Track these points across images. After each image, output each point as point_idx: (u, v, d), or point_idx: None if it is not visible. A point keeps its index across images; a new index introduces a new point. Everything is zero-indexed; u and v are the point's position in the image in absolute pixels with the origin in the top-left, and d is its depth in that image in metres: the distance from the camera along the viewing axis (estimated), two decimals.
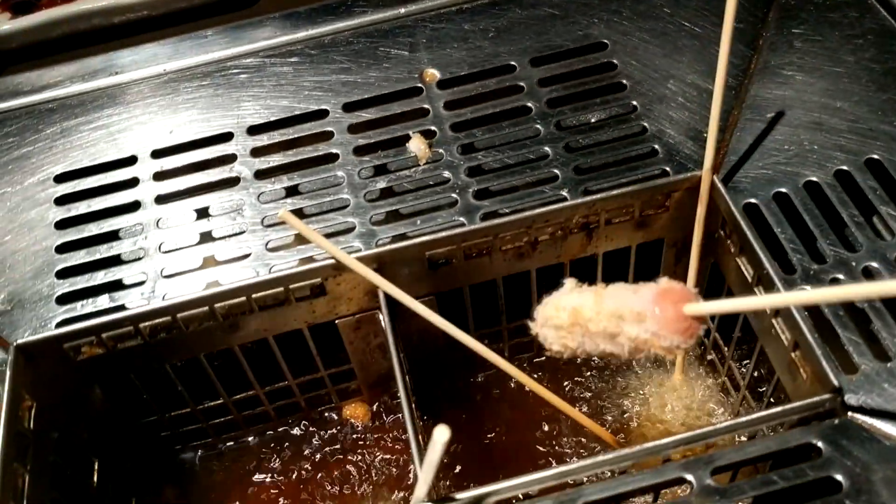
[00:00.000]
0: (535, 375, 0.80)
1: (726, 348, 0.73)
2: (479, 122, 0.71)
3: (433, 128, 0.71)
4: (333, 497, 0.75)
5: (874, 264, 0.58)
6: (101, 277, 0.65)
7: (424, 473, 0.45)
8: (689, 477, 0.50)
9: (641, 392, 0.78)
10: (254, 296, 0.63)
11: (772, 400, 0.66)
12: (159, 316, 0.62)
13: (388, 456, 0.78)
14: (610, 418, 0.77)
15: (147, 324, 0.62)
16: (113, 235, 0.68)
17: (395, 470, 0.77)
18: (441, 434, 0.40)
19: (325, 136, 0.71)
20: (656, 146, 0.68)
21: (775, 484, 0.50)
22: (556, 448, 0.76)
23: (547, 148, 0.69)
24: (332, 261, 0.62)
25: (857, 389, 0.53)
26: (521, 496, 0.51)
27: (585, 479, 0.51)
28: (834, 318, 0.56)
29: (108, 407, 0.68)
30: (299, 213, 0.68)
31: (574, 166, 0.68)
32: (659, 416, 0.76)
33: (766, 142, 0.67)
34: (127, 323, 0.61)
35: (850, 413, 0.52)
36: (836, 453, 0.50)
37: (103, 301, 0.64)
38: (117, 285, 0.65)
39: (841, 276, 0.58)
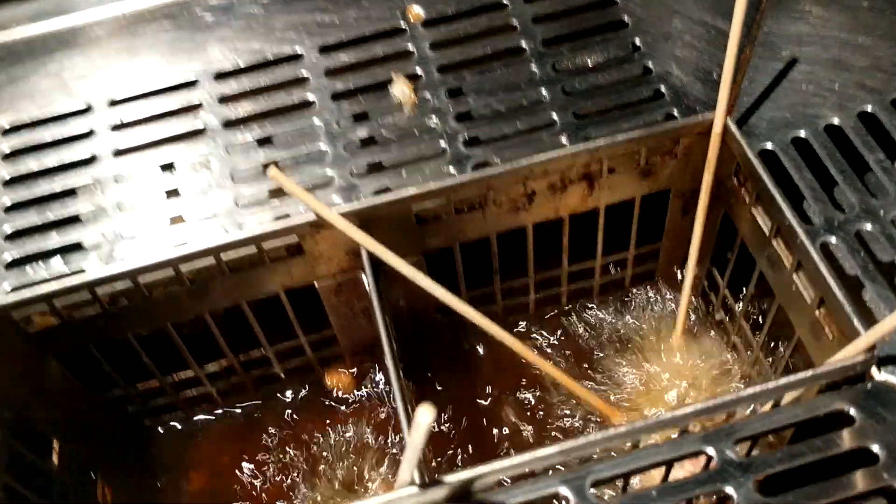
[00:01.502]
0: (532, 337, 0.75)
1: (737, 306, 0.68)
2: (468, 63, 0.65)
3: (418, 70, 0.65)
4: (316, 471, 0.70)
5: None
6: (54, 240, 0.59)
7: (408, 456, 0.40)
8: (710, 450, 0.46)
9: (640, 354, 0.73)
10: (224, 257, 0.57)
11: (791, 362, 0.61)
12: (118, 280, 0.56)
13: (374, 426, 0.73)
14: (608, 382, 0.73)
15: (105, 289, 0.56)
16: (67, 193, 0.61)
17: (382, 440, 0.72)
18: (424, 415, 0.35)
19: (300, 82, 0.65)
20: (662, 88, 0.62)
21: (804, 456, 0.45)
22: (555, 417, 0.71)
23: (543, 91, 0.63)
24: (311, 217, 0.56)
25: (891, 349, 0.48)
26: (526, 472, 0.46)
27: (595, 456, 0.46)
28: (862, 273, 0.51)
29: (67, 382, 0.63)
30: (274, 165, 0.62)
31: (573, 111, 0.62)
32: (659, 381, 0.71)
33: (783, 82, 0.62)
34: (82, 289, 0.55)
35: (883, 375, 0.47)
36: (871, 420, 0.46)
37: (58, 266, 0.58)
38: (73, 248, 0.58)
39: (868, 227, 0.53)
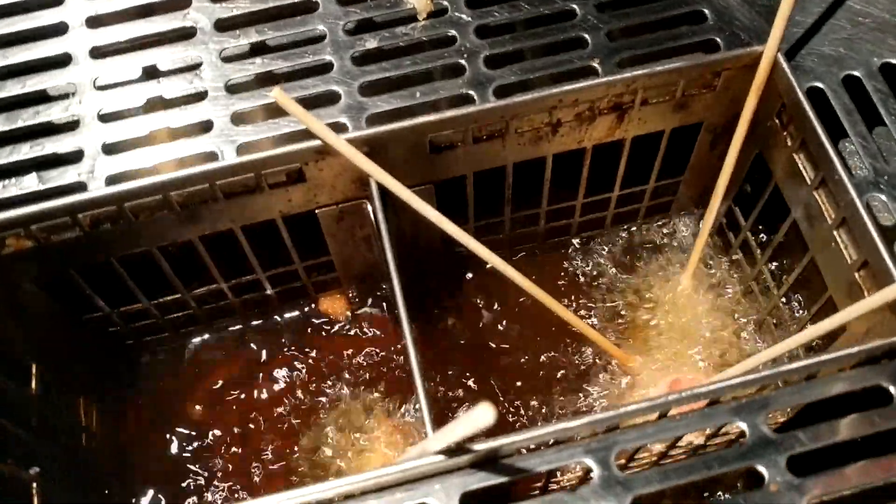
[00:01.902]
0: (538, 267, 0.71)
1: (759, 252, 0.64)
2: None
3: None
4: (306, 398, 0.68)
5: None
6: (26, 151, 0.53)
7: (447, 435, 0.37)
8: (742, 424, 0.43)
9: (649, 295, 0.70)
10: (218, 183, 0.51)
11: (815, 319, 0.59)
12: (101, 206, 0.50)
13: (368, 352, 0.70)
14: (616, 322, 0.70)
15: (87, 214, 0.51)
16: (39, 98, 0.55)
17: (377, 366, 0.69)
18: (485, 414, 0.31)
19: None
20: (705, 10, 0.56)
21: (839, 434, 0.43)
22: (561, 352, 0.69)
23: (575, 6, 0.57)
24: (315, 143, 0.50)
25: None
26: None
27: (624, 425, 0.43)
28: None
29: (44, 305, 0.58)
30: (271, 76, 0.55)
31: (607, 30, 0.56)
32: (669, 323, 0.68)
33: (838, 11, 0.56)
34: (61, 214, 0.50)
35: None
36: None
37: (31, 182, 0.52)
38: (48, 162, 0.53)
39: None
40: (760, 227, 0.65)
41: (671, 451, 0.49)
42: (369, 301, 0.70)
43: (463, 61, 0.55)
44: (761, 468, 0.42)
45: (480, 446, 0.40)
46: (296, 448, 0.65)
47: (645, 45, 0.55)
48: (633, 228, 0.73)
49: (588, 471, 0.42)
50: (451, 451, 0.40)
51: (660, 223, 0.72)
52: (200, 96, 0.55)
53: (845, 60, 0.54)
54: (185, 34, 0.56)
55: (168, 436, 0.66)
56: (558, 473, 0.45)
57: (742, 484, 0.56)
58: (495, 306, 0.70)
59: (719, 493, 0.56)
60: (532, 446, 0.42)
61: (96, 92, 0.55)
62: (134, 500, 0.64)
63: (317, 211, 0.57)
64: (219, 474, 0.65)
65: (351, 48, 0.55)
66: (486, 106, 0.52)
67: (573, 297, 0.70)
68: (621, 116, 0.57)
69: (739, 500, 0.41)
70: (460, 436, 0.35)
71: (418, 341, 0.50)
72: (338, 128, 0.52)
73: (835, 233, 0.51)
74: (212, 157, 0.52)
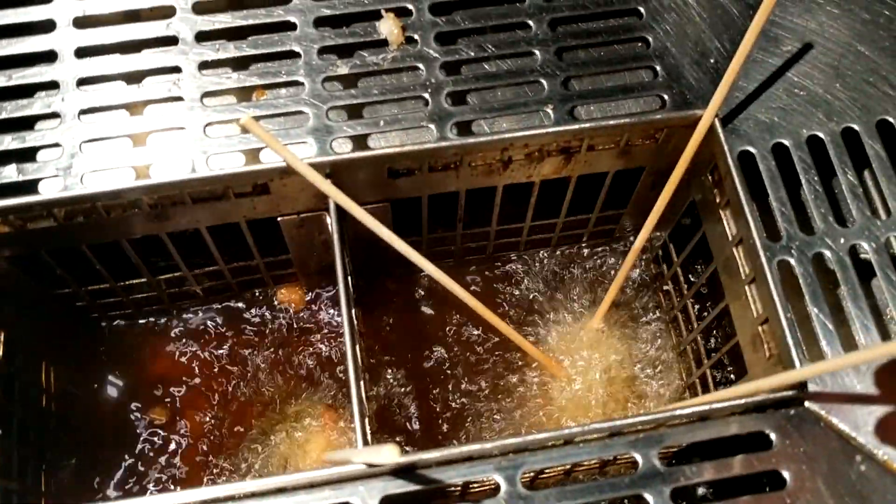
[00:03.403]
0: (483, 278, 0.77)
1: (685, 288, 0.70)
2: (463, 4, 0.62)
3: (409, 6, 0.61)
4: (256, 381, 0.73)
5: (864, 244, 0.55)
6: (7, 143, 0.56)
7: (359, 457, 0.42)
8: (637, 456, 0.49)
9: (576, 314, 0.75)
10: (187, 191, 0.55)
11: (726, 363, 0.64)
12: (77, 204, 0.54)
13: (317, 343, 0.75)
14: (540, 330, 0.75)
15: (63, 209, 0.54)
16: (23, 91, 0.57)
17: (324, 358, 0.74)
18: (389, 455, 0.37)
19: (284, 1, 0.61)
20: (657, 67, 0.61)
21: (721, 472, 0.48)
22: (495, 355, 0.74)
23: (536, 51, 0.60)
24: (280, 164, 0.54)
25: (820, 380, 0.51)
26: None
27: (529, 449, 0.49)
28: (811, 297, 0.53)
29: (15, 279, 0.62)
30: (247, 90, 0.59)
31: (563, 77, 0.60)
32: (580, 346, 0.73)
33: (777, 81, 0.60)
34: (38, 208, 0.53)
35: (808, 404, 0.51)
36: (787, 446, 0.49)
37: (10, 172, 0.55)
38: (28, 154, 0.56)
39: (827, 253, 0.55)
40: (690, 263, 0.70)
41: (576, 469, 0.55)
42: (325, 293, 0.75)
43: (427, 94, 0.58)
44: (648, 496, 0.47)
45: (401, 458, 0.45)
46: (241, 429, 0.70)
47: (597, 95, 0.59)
48: (576, 251, 0.78)
49: (497, 486, 0.48)
50: (370, 465, 0.45)
51: (600, 249, 0.78)
52: (177, 100, 0.58)
53: (777, 129, 0.59)
54: (167, 42, 0.59)
55: (124, 402, 0.71)
56: (475, 484, 0.50)
57: None
58: (440, 307, 0.75)
59: None
60: (448, 460, 0.47)
61: (78, 90, 0.58)
62: (84, 456, 0.69)
63: (279, 219, 0.61)
64: (169, 446, 0.70)
65: (323, 71, 0.59)
66: (443, 144, 0.56)
67: (510, 302, 0.75)
68: (568, 158, 0.61)
69: None
70: (369, 460, 0.40)
71: (365, 334, 0.54)
72: (303, 146, 0.56)
73: (746, 287, 0.57)
74: (183, 162, 0.56)
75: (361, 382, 0.53)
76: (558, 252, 0.77)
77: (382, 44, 0.60)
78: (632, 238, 0.77)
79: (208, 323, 0.74)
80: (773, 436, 0.50)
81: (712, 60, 0.61)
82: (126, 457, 0.70)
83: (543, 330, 0.74)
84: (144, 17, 0.60)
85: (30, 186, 0.55)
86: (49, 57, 0.58)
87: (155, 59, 0.59)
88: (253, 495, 0.47)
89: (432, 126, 0.57)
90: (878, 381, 0.50)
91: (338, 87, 0.59)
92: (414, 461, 0.47)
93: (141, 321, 0.74)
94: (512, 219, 0.71)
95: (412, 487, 0.47)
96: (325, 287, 0.75)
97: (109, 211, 0.56)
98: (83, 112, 0.57)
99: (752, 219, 0.55)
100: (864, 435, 0.49)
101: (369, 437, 0.52)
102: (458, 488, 0.50)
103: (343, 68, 0.59)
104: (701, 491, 0.61)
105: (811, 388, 0.50)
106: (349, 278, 0.58)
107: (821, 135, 0.58)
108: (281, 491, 0.47)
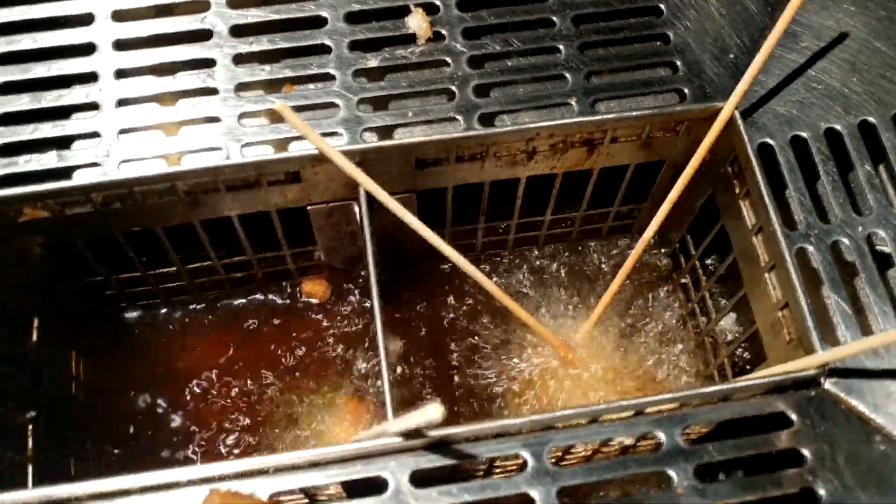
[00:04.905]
0: (505, 272, 0.78)
1: (704, 279, 0.71)
2: (489, 2, 0.63)
3: (437, 2, 0.63)
4: (282, 372, 0.74)
5: (881, 232, 0.56)
6: (48, 130, 0.58)
7: (402, 424, 0.43)
8: (661, 435, 0.50)
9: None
10: (221, 178, 0.57)
11: (745, 351, 0.66)
12: (113, 189, 0.56)
13: (343, 335, 0.76)
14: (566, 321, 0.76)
15: (100, 194, 0.56)
16: (63, 81, 0.59)
17: (349, 350, 0.76)
18: (434, 412, 0.38)
19: None
20: (677, 61, 0.62)
21: (742, 450, 0.50)
22: (515, 346, 0.75)
23: (560, 46, 0.62)
24: (312, 151, 0.56)
25: (839, 363, 0.52)
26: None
27: (560, 426, 0.50)
28: (830, 285, 0.54)
29: (49, 266, 0.63)
30: (279, 83, 0.60)
31: (586, 72, 0.61)
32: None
33: (796, 76, 0.62)
34: (77, 192, 0.55)
35: (827, 386, 0.52)
36: (807, 426, 0.50)
37: (50, 159, 0.57)
38: (67, 141, 0.58)
39: (845, 241, 0.56)
40: (710, 258, 0.72)
41: (603, 448, 0.56)
42: (349, 287, 0.77)
43: (454, 87, 0.60)
44: (671, 472, 0.49)
45: (433, 433, 0.47)
46: (266, 418, 0.72)
47: (619, 89, 0.61)
48: (596, 244, 0.79)
49: (525, 462, 0.49)
50: (406, 435, 0.47)
51: (619, 241, 0.79)
52: (212, 93, 0.60)
53: (796, 122, 0.60)
54: (202, 35, 0.61)
55: (148, 391, 0.72)
56: (499, 461, 0.51)
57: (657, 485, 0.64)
58: (464, 298, 0.76)
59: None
60: (477, 436, 0.48)
61: (116, 81, 0.60)
62: (113, 445, 0.70)
63: (308, 208, 0.63)
64: (195, 432, 0.72)
65: (353, 64, 0.60)
66: (469, 133, 0.57)
67: (534, 294, 0.77)
68: (591, 150, 0.63)
69: (645, 500, 0.48)
70: (413, 426, 0.42)
71: (388, 324, 0.56)
72: (334, 137, 0.58)
73: (766, 275, 0.58)
74: (217, 151, 0.57)
75: (388, 361, 0.54)
76: (579, 247, 0.79)
77: (411, 38, 0.62)
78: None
79: (235, 313, 0.76)
80: (793, 416, 0.51)
81: (731, 56, 0.62)
82: (151, 445, 0.71)
83: (557, 321, 0.75)
84: (180, 12, 0.62)
85: (68, 173, 0.56)
86: (88, 49, 0.60)
87: (190, 51, 0.61)
88: (285, 469, 0.48)
89: (459, 117, 0.59)
90: (893, 359, 0.52)
91: (367, 80, 0.60)
92: (444, 435, 0.48)
93: (168, 310, 0.75)
94: (533, 213, 0.73)
95: (442, 462, 0.49)
96: (349, 280, 0.76)
97: (145, 197, 0.58)
98: (121, 102, 0.59)
99: (771, 208, 0.56)
100: (882, 416, 0.51)
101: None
102: (485, 465, 0.51)
103: (373, 61, 0.61)
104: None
105: (830, 370, 0.52)
106: (379, 271, 0.59)
107: (838, 127, 0.60)
108: (313, 465, 0.48)
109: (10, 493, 0.46)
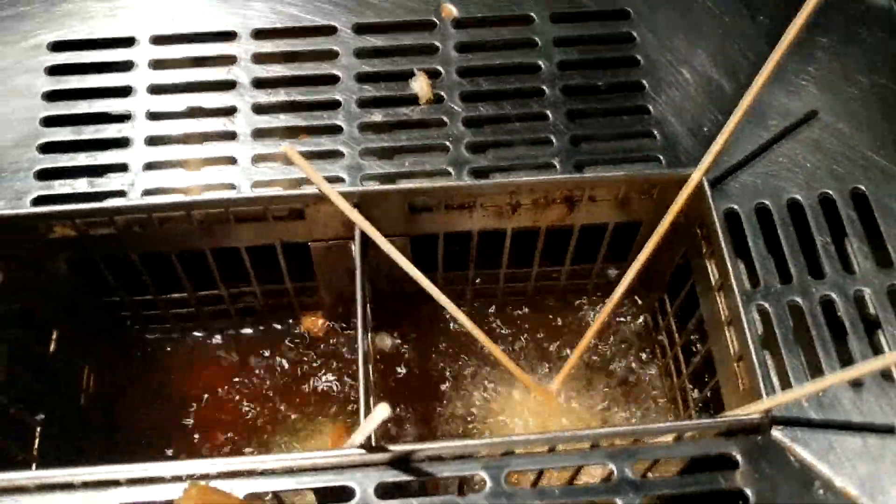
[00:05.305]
0: (492, 321, 0.83)
1: (677, 336, 0.75)
2: (487, 71, 0.70)
3: (440, 68, 0.70)
4: (275, 403, 0.79)
5: (834, 296, 0.60)
6: (83, 159, 0.65)
7: (361, 431, 0.47)
8: (612, 466, 0.54)
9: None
10: (231, 209, 0.63)
11: (707, 394, 0.69)
12: (136, 213, 0.62)
13: (337, 370, 0.81)
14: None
15: (123, 217, 0.63)
16: (101, 117, 0.67)
17: (341, 385, 0.80)
18: (381, 411, 0.43)
19: (330, 55, 0.70)
20: (655, 131, 0.68)
21: (689, 486, 0.53)
22: (496, 387, 0.79)
23: (549, 112, 0.68)
24: (314, 190, 0.62)
25: (786, 411, 0.56)
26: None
27: (516, 451, 0.54)
28: (783, 340, 0.58)
29: (72, 283, 0.70)
30: (292, 130, 0.67)
31: (570, 135, 0.67)
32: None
33: (762, 151, 0.67)
34: (102, 214, 0.62)
35: (774, 433, 0.55)
36: (751, 469, 0.54)
37: (82, 185, 0.64)
38: (98, 170, 0.64)
39: (800, 301, 0.60)
40: (684, 317, 0.76)
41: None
42: (344, 324, 0.82)
43: (448, 143, 0.66)
44: (619, 501, 0.52)
45: (395, 447, 0.51)
46: (260, 440, 0.76)
47: (600, 152, 0.67)
48: (582, 300, 0.84)
49: (484, 482, 0.53)
50: (370, 448, 0.51)
51: (602, 300, 0.84)
52: (231, 137, 0.67)
53: (761, 191, 0.65)
54: (227, 85, 0.68)
55: (154, 410, 0.77)
56: (468, 483, 0.55)
57: None
58: (454, 337, 0.81)
59: None
60: (439, 456, 0.53)
61: (147, 121, 0.67)
62: (112, 454, 0.75)
63: (310, 243, 0.69)
64: (190, 451, 0.76)
65: (359, 118, 0.67)
66: (458, 183, 0.63)
67: (518, 343, 0.81)
68: (571, 207, 0.68)
69: None
70: (370, 427, 0.46)
71: (373, 358, 0.60)
72: (336, 181, 0.64)
73: (725, 329, 0.62)
74: (231, 187, 0.64)
75: (370, 381, 0.59)
76: (565, 301, 0.83)
77: (413, 99, 0.69)
78: (635, 297, 0.83)
79: (239, 342, 0.81)
80: (739, 458, 0.54)
81: (706, 129, 0.68)
82: (146, 459, 0.75)
83: (535, 370, 0.80)
84: (209, 64, 0.69)
85: (96, 198, 0.63)
86: (126, 91, 0.68)
87: (216, 99, 0.68)
88: (262, 472, 0.53)
89: (451, 169, 0.65)
90: (838, 414, 0.55)
91: (372, 132, 0.67)
92: (406, 451, 0.52)
93: (177, 335, 0.81)
94: (520, 265, 0.78)
95: (405, 478, 0.53)
96: (346, 317, 0.82)
97: (163, 223, 0.64)
98: (149, 141, 0.66)
99: (731, 265, 0.61)
100: (824, 464, 0.54)
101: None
102: (455, 486, 0.55)
103: (378, 116, 0.67)
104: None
105: (777, 417, 0.55)
106: (368, 305, 0.64)
107: (800, 198, 0.65)
108: (288, 471, 0.53)
109: (8, 474, 0.51)
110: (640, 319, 0.83)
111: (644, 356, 0.80)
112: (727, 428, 0.55)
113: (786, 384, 0.57)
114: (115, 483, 0.52)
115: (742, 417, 0.54)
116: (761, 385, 0.56)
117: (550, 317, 0.83)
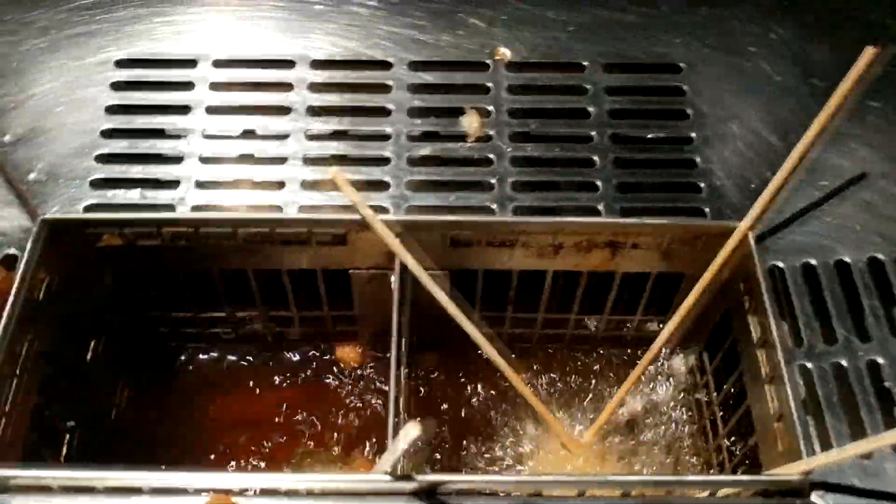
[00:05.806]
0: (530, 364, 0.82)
1: (715, 395, 0.74)
2: (536, 113, 0.71)
3: (490, 107, 0.71)
4: (306, 431, 0.78)
5: (880, 360, 0.58)
6: (137, 171, 0.66)
7: (390, 453, 0.47)
8: None
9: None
10: (277, 230, 0.64)
11: (746, 460, 0.67)
12: (183, 226, 0.63)
13: (369, 403, 0.80)
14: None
15: (170, 229, 0.64)
16: (158, 133, 0.69)
17: (372, 417, 0.79)
18: (412, 430, 0.42)
19: (384, 89, 0.71)
20: (701, 184, 0.68)
21: None
22: (524, 430, 0.78)
23: (595, 157, 0.69)
24: (358, 217, 0.63)
25: (826, 476, 0.54)
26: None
27: (544, 493, 0.53)
28: (825, 402, 0.57)
29: (115, 296, 0.71)
30: (342, 158, 0.68)
31: (616, 182, 0.67)
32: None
33: (811, 209, 0.66)
34: (151, 224, 0.63)
35: (813, 497, 0.53)
36: None
37: (134, 195, 0.65)
38: (151, 183, 0.66)
39: (844, 363, 0.59)
40: (723, 373, 0.74)
41: None
42: (381, 356, 0.81)
43: (494, 181, 0.67)
44: None
45: (422, 477, 0.50)
46: (287, 467, 0.76)
47: (645, 201, 0.67)
48: (621, 351, 0.82)
49: None
50: (397, 476, 0.50)
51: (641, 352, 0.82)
52: (282, 161, 0.68)
53: (809, 250, 0.64)
54: (282, 111, 0.70)
55: (184, 428, 0.77)
56: None
57: None
58: (489, 378, 0.80)
59: None
60: (465, 489, 0.52)
61: (202, 139, 0.68)
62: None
63: (351, 271, 0.69)
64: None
65: (408, 151, 0.68)
66: (501, 219, 0.64)
67: (553, 390, 0.80)
68: (614, 253, 0.68)
69: None
70: (399, 449, 0.45)
71: (407, 393, 0.60)
72: (380, 210, 0.64)
73: (766, 387, 0.61)
74: (277, 209, 0.65)
75: (401, 415, 0.58)
76: (602, 351, 0.82)
77: (462, 136, 0.70)
78: (674, 351, 0.82)
79: (272, 367, 0.81)
80: None
81: (753, 185, 0.68)
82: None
83: (567, 421, 0.78)
84: (266, 89, 0.71)
85: (146, 209, 0.64)
86: (184, 109, 0.70)
87: (270, 123, 0.69)
88: (285, 492, 0.52)
89: (495, 206, 0.65)
90: (881, 480, 0.53)
91: (418, 164, 0.68)
92: (433, 482, 0.51)
93: (212, 356, 0.81)
94: (560, 310, 0.77)
95: None
96: (382, 349, 0.81)
97: (209, 238, 0.65)
98: (203, 159, 0.68)
99: (774, 324, 0.59)
100: None
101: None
102: None
103: (426, 150, 0.68)
104: None
105: (817, 482, 0.53)
106: (403, 338, 0.64)
107: (848, 259, 0.64)
108: (311, 494, 0.52)
109: (34, 471, 0.51)
110: (679, 374, 0.81)
111: (681, 412, 0.78)
112: (765, 488, 0.53)
113: (827, 448, 0.55)
114: (138, 490, 0.51)
115: (781, 477, 0.53)
116: (801, 445, 0.54)
117: (586, 366, 0.81)
